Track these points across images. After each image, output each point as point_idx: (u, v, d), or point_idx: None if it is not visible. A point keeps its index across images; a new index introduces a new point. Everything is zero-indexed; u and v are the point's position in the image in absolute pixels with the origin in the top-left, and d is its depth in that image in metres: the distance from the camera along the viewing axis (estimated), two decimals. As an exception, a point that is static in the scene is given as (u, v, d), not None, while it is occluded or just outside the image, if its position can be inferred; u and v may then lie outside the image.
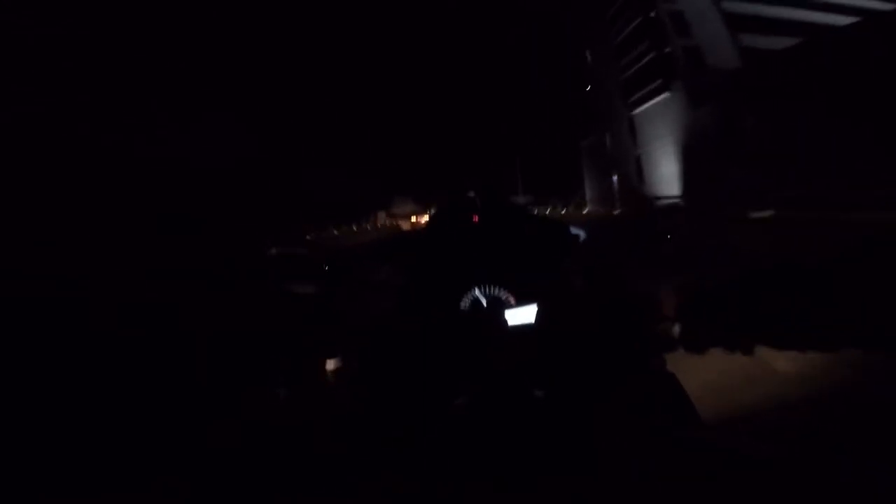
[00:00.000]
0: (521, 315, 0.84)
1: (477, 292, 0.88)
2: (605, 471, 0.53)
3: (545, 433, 0.60)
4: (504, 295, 0.88)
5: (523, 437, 0.58)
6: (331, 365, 0.72)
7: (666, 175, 11.93)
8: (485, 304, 0.87)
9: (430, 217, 1.10)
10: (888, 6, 11.42)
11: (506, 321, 0.76)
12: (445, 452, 0.57)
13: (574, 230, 0.97)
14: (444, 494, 0.50)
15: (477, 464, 0.54)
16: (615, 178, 17.69)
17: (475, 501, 0.50)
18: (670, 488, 0.46)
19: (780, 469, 0.47)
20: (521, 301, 0.86)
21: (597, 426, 0.60)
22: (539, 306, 0.76)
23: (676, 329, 0.66)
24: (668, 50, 13.68)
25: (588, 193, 20.66)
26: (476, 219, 1.00)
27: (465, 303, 0.87)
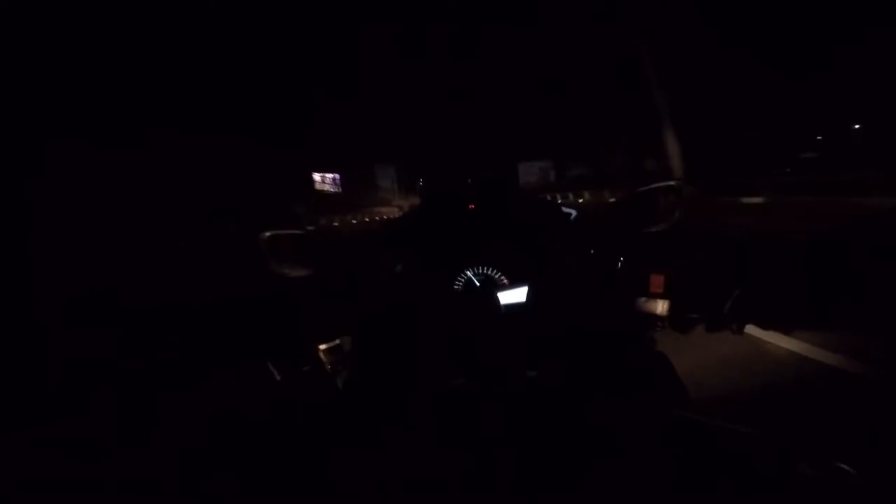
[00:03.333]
0: (514, 295, 0.85)
1: (469, 273, 0.89)
2: (602, 468, 0.53)
3: (540, 421, 0.60)
4: (496, 275, 0.88)
5: (519, 425, 0.59)
6: (325, 347, 0.72)
7: None
8: (477, 285, 0.88)
9: (423, 201, 1.10)
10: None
11: (498, 302, 0.77)
12: (442, 450, 0.57)
13: (566, 209, 0.97)
14: (441, 494, 0.51)
15: (474, 462, 0.55)
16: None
17: (473, 500, 0.51)
18: (668, 482, 0.47)
19: (765, 451, 0.48)
20: (514, 282, 0.87)
21: (590, 411, 0.61)
22: (530, 287, 0.77)
23: (667, 309, 0.66)
24: None
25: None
26: (472, 206, 1.00)
27: (458, 284, 0.88)
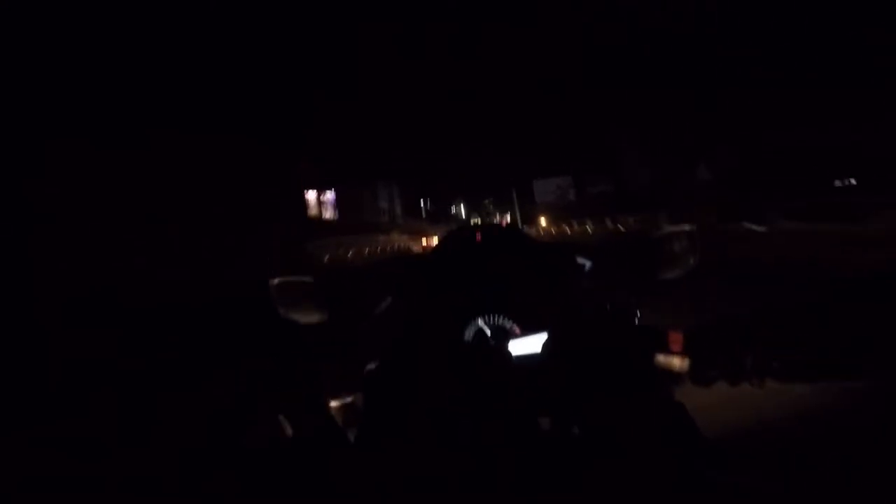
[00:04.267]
0: (527, 345, 0.83)
1: (481, 322, 0.87)
2: (602, 468, 0.53)
3: (551, 467, 0.60)
4: (509, 325, 0.86)
5: (519, 425, 0.59)
6: (336, 402, 0.71)
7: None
8: (489, 335, 0.86)
9: (437, 244, 1.09)
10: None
11: (510, 352, 0.75)
12: (442, 450, 0.57)
13: (580, 260, 0.96)
14: (441, 494, 0.51)
15: (474, 462, 0.55)
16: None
17: (473, 500, 0.51)
18: None
19: None
20: (527, 331, 0.85)
21: (590, 411, 0.61)
22: (548, 336, 0.74)
23: (687, 366, 0.65)
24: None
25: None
26: (479, 237, 0.99)
27: (468, 333, 0.86)
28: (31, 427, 2.67)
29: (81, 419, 2.75)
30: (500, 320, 0.87)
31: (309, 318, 0.83)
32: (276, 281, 0.82)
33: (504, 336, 0.85)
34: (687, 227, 0.82)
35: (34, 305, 7.17)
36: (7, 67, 9.17)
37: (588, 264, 0.93)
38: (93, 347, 5.18)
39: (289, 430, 0.64)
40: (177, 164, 13.51)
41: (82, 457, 2.10)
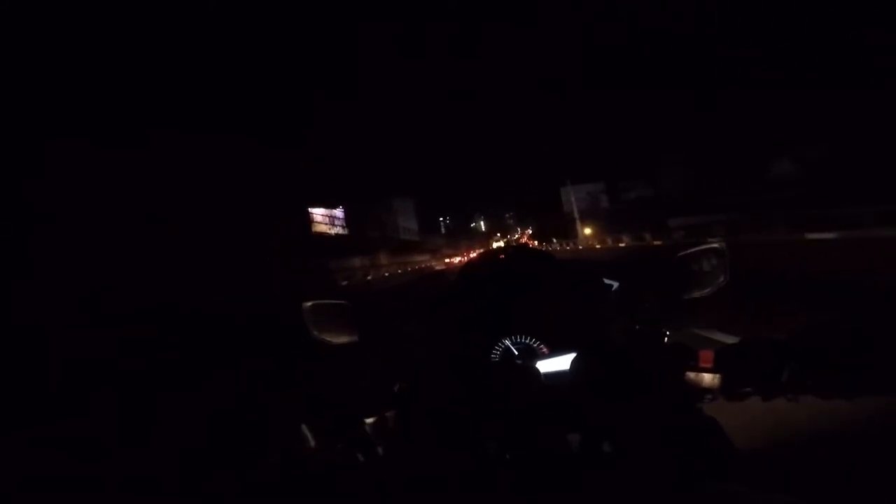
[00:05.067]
0: (555, 364, 0.83)
1: (508, 342, 0.87)
2: (602, 468, 0.53)
3: (540, 422, 0.61)
4: (536, 344, 0.87)
5: (519, 427, 0.59)
6: (369, 420, 0.71)
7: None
8: (516, 354, 0.86)
9: (463, 266, 1.10)
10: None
11: (538, 371, 0.75)
12: (442, 450, 0.58)
13: (607, 281, 0.96)
14: (441, 494, 0.51)
15: (474, 462, 0.55)
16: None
17: (473, 500, 0.51)
18: None
19: None
20: (555, 351, 0.85)
21: (590, 412, 0.61)
22: (578, 356, 0.74)
23: (718, 383, 0.65)
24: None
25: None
26: (502, 256, 1.00)
27: (496, 353, 0.87)
28: (31, 427, 2.67)
29: (81, 419, 2.75)
30: (528, 340, 0.88)
31: (341, 339, 0.83)
32: (309, 304, 0.83)
33: (532, 355, 0.86)
34: (716, 244, 0.81)
35: (34, 305, 7.18)
36: (7, 67, 9.17)
37: (615, 285, 0.93)
38: (93, 347, 5.19)
39: (311, 442, 0.64)
40: (177, 164, 13.51)
41: (82, 457, 2.10)
